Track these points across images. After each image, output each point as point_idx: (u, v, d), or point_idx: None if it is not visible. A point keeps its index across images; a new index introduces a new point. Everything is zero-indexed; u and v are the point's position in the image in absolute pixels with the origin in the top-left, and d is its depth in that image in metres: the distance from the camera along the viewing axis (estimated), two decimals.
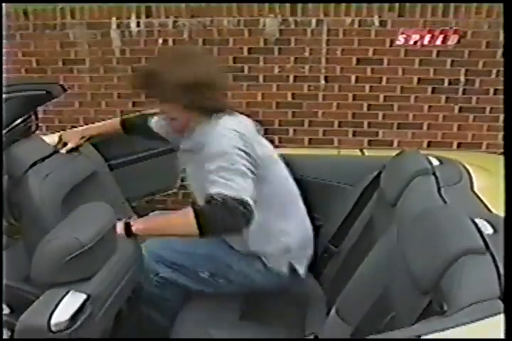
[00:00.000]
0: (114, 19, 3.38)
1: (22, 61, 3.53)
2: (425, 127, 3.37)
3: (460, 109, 3.31)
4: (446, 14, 3.11)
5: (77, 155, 2.24)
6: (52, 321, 1.20)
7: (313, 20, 3.22)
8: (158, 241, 1.86)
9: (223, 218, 1.53)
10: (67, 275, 1.29)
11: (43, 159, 2.07)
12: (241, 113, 1.82)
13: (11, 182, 2.05)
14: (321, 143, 3.42)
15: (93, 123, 2.71)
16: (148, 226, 1.64)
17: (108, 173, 2.46)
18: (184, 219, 1.58)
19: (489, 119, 3.28)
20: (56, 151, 2.18)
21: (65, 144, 2.23)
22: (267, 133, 3.45)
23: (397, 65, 3.25)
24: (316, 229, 2.04)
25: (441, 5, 3.10)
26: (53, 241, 1.29)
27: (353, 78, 3.31)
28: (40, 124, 2.41)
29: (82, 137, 2.29)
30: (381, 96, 3.32)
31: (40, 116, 2.37)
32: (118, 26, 3.39)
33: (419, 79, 3.27)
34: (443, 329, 0.89)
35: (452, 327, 0.89)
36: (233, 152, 1.59)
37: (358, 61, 3.27)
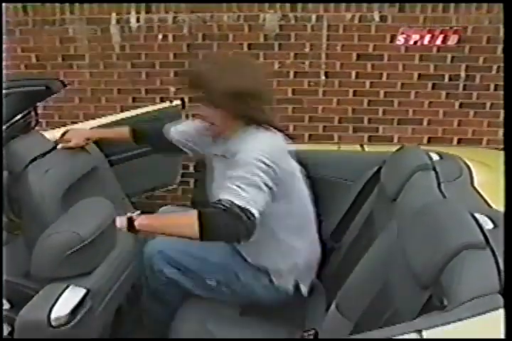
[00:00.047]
0: (113, 15, 3.37)
1: (21, 57, 3.52)
2: (425, 123, 3.36)
3: (460, 105, 3.30)
4: (446, 10, 3.10)
5: (77, 151, 2.24)
6: (52, 315, 1.20)
7: (314, 16, 3.20)
8: (170, 242, 1.86)
9: (225, 224, 1.53)
10: (67, 270, 1.29)
11: (43, 155, 2.07)
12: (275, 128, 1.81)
13: (10, 178, 2.05)
14: (321, 139, 3.42)
15: (93, 118, 2.71)
16: (151, 222, 1.64)
17: (108, 169, 2.45)
18: (187, 219, 1.58)
19: (490, 115, 3.27)
20: (56, 147, 2.18)
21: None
22: None
23: (398, 61, 3.24)
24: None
25: None
26: (53, 236, 1.29)
27: (354, 74, 3.30)
28: (40, 120, 2.41)
29: (88, 139, 2.27)
30: (381, 92, 3.31)
31: (39, 111, 2.37)
32: (118, 22, 3.38)
33: (419, 75, 3.26)
34: (443, 324, 0.90)
35: (452, 322, 0.89)
36: (256, 164, 1.60)
37: (358, 57, 3.26)
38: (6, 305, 1.58)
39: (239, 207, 1.52)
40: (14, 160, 1.98)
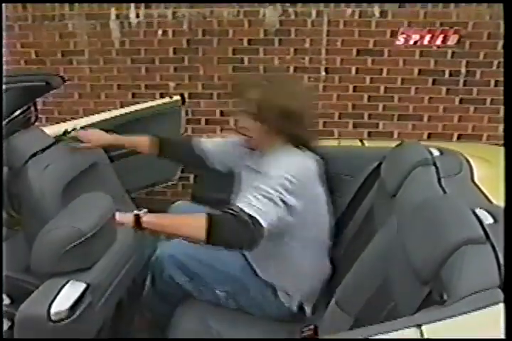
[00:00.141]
0: (113, 10, 3.36)
1: (21, 52, 3.52)
2: (425, 119, 3.36)
3: (461, 101, 3.30)
4: (446, 5, 3.10)
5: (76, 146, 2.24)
6: (52, 310, 1.20)
7: (314, 11, 3.20)
8: (182, 247, 1.86)
9: (231, 229, 1.54)
10: (67, 265, 1.29)
11: (43, 150, 2.07)
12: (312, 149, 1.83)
13: (10, 174, 2.04)
14: (321, 135, 3.40)
15: (93, 114, 2.71)
16: (158, 221, 1.63)
17: (108, 164, 2.45)
18: (195, 221, 1.58)
19: (490, 111, 3.27)
20: (56, 142, 2.18)
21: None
22: None
23: (398, 57, 3.24)
24: None
25: None
26: (53, 231, 1.29)
27: (354, 69, 3.30)
28: (39, 116, 2.41)
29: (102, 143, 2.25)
30: (381, 88, 3.31)
31: (39, 107, 2.37)
32: (117, 17, 3.37)
33: (419, 71, 3.26)
34: (443, 318, 0.90)
35: (452, 316, 0.89)
36: (278, 180, 1.61)
37: (359, 52, 3.26)
38: (6, 301, 1.58)
39: (248, 214, 1.53)
40: (14, 155, 1.97)
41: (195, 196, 2.59)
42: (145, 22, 3.36)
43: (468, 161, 1.76)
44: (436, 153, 1.81)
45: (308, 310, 1.86)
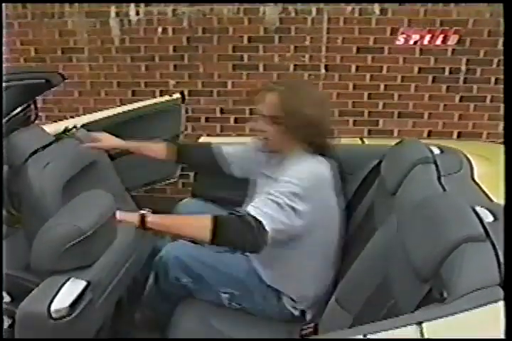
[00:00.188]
0: (113, 8, 3.36)
1: (21, 50, 3.52)
2: (426, 116, 3.36)
3: (461, 99, 3.30)
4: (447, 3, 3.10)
5: (76, 144, 2.24)
6: (53, 308, 1.20)
7: (314, 9, 3.20)
8: (187, 248, 1.88)
9: (236, 229, 1.56)
10: (67, 263, 1.29)
11: (43, 148, 2.07)
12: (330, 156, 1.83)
13: (10, 172, 2.04)
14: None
15: (92, 112, 2.71)
16: (163, 221, 1.63)
17: (108, 162, 2.45)
18: (200, 222, 1.59)
19: (490, 109, 3.27)
20: (56, 140, 2.18)
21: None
22: None
23: (398, 54, 3.23)
24: None
25: None
26: (53, 229, 1.29)
27: (354, 67, 3.30)
28: (39, 114, 2.41)
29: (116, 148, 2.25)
30: (381, 86, 3.31)
31: (39, 105, 2.36)
32: (117, 15, 3.37)
33: (419, 69, 3.26)
34: (443, 316, 0.90)
35: (452, 314, 0.89)
36: (289, 187, 1.61)
37: (359, 50, 3.25)
38: (6, 298, 1.58)
39: (254, 218, 1.54)
40: (14, 153, 1.97)
41: (195, 194, 2.59)
42: (145, 19, 3.36)
43: (468, 159, 1.76)
44: (436, 151, 1.81)
45: (309, 316, 1.85)
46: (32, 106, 2.26)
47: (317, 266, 1.82)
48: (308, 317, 1.85)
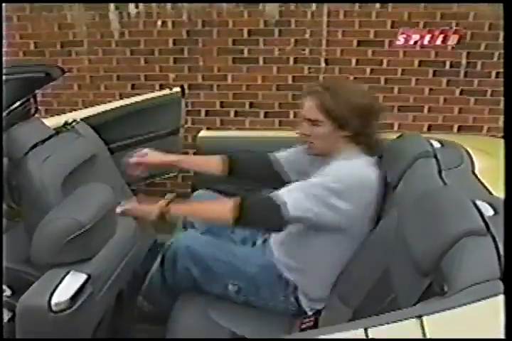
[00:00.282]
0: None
1: (20, 44, 3.51)
2: (426, 110, 3.35)
3: (461, 92, 3.29)
4: None
5: (76, 138, 2.24)
6: (53, 301, 1.20)
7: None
8: (199, 239, 1.90)
9: (259, 208, 1.63)
10: (67, 256, 1.29)
11: (43, 141, 2.07)
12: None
13: (10, 165, 2.04)
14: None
15: (92, 106, 2.70)
16: (186, 209, 1.72)
17: (108, 156, 2.45)
18: (223, 204, 1.66)
19: (490, 102, 3.26)
20: (56, 134, 2.17)
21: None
22: (267, 116, 3.48)
23: (398, 48, 3.22)
24: None
25: None
26: (53, 222, 1.29)
27: (354, 60, 3.29)
28: (38, 107, 2.40)
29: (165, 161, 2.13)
30: (382, 79, 3.30)
31: (38, 99, 2.36)
32: (116, 8, 3.35)
33: (420, 62, 3.25)
34: (443, 310, 0.90)
35: (453, 308, 0.89)
36: (329, 183, 1.61)
37: (359, 43, 3.24)
38: (7, 292, 1.58)
39: (281, 198, 1.59)
40: (14, 146, 1.97)
41: (195, 188, 2.58)
42: (144, 12, 3.34)
43: (468, 153, 1.75)
44: (436, 145, 1.80)
45: (310, 313, 1.85)
46: (32, 100, 2.26)
47: (337, 264, 1.79)
48: (310, 313, 1.85)
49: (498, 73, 3.16)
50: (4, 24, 3.29)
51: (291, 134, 2.63)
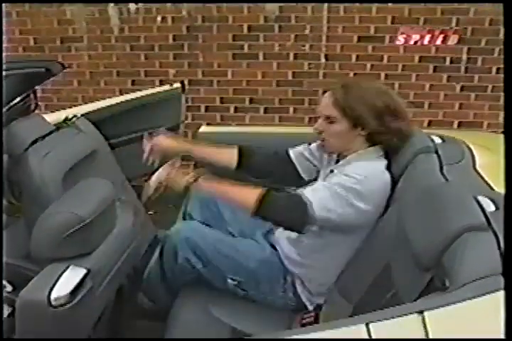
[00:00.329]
0: None
1: (19, 39, 3.50)
2: (426, 106, 3.35)
3: (462, 88, 3.29)
4: None
5: (77, 133, 2.23)
6: (53, 295, 1.20)
7: None
8: (200, 232, 1.88)
9: (283, 205, 1.60)
10: (66, 251, 1.29)
11: (43, 137, 2.06)
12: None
13: (10, 161, 2.04)
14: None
15: (92, 102, 2.70)
16: (215, 185, 1.70)
17: (108, 152, 2.45)
18: (251, 192, 1.63)
19: (491, 98, 3.26)
20: (56, 129, 2.17)
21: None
22: (267, 112, 3.48)
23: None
24: None
25: None
26: (52, 217, 1.29)
27: (354, 56, 3.29)
28: (39, 104, 2.40)
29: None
30: (382, 75, 3.30)
31: (38, 95, 2.35)
32: (116, 3, 3.34)
33: (420, 58, 3.25)
34: (445, 305, 0.89)
35: (454, 303, 0.89)
36: (352, 184, 1.58)
37: (359, 39, 3.24)
38: (8, 288, 1.58)
39: (306, 197, 1.56)
40: (14, 142, 1.97)
41: None
42: (144, 8, 3.34)
43: (469, 149, 1.75)
44: (438, 140, 1.80)
45: (310, 307, 1.85)
46: (32, 96, 2.25)
47: (341, 260, 1.77)
48: (310, 308, 1.85)
49: (498, 69, 3.16)
50: (4, 19, 3.29)
51: (291, 130, 2.65)
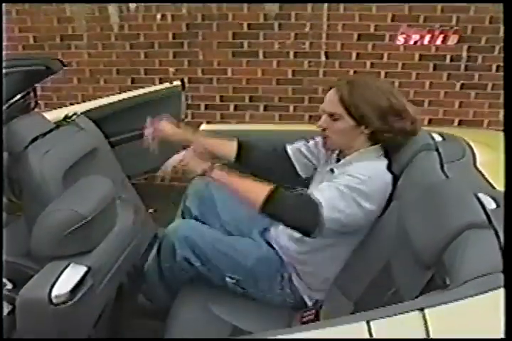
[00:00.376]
0: None
1: (19, 38, 3.50)
2: (426, 104, 3.35)
3: (462, 86, 3.29)
4: None
5: (77, 131, 2.23)
6: (53, 293, 1.20)
7: None
8: (198, 230, 1.88)
9: (293, 205, 1.57)
10: (67, 249, 1.29)
11: (43, 135, 2.06)
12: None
13: (10, 159, 2.04)
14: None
15: (90, 101, 2.70)
16: (229, 176, 1.68)
17: (108, 150, 2.45)
18: (262, 188, 1.60)
19: (491, 96, 3.26)
20: (56, 127, 2.17)
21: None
22: (266, 110, 3.47)
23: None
24: None
25: None
26: (52, 214, 1.29)
27: (354, 54, 3.28)
28: (38, 102, 2.39)
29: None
30: (382, 73, 3.29)
31: (38, 93, 2.35)
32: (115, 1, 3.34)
33: (420, 56, 3.24)
34: (446, 303, 0.90)
35: (455, 300, 0.89)
36: (357, 185, 1.57)
37: (359, 37, 3.23)
38: (8, 286, 1.58)
39: (316, 199, 1.53)
40: (14, 140, 1.96)
41: None
42: (144, 6, 3.33)
43: (470, 146, 1.75)
44: (438, 138, 1.80)
45: (309, 303, 1.86)
46: (32, 94, 2.25)
47: (341, 258, 1.77)
48: (309, 304, 1.85)
49: (498, 67, 3.16)
50: (4, 17, 3.28)
51: (291, 128, 2.64)
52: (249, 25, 3.28)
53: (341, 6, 3.17)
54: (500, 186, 1.32)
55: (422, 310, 0.89)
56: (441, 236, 1.09)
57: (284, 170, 2.01)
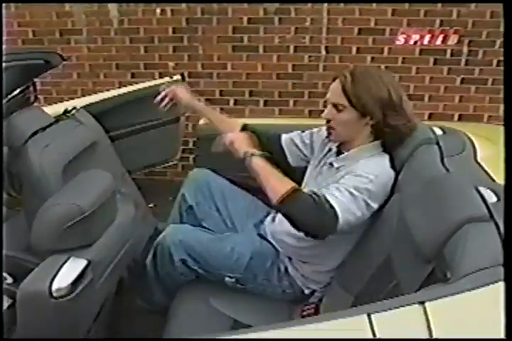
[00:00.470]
0: None
1: (18, 32, 3.48)
2: (426, 99, 3.34)
3: (462, 81, 3.28)
4: None
5: (77, 125, 2.23)
6: (54, 287, 1.20)
7: None
8: (191, 233, 1.89)
9: (308, 207, 1.53)
10: (67, 242, 1.29)
11: (43, 129, 2.06)
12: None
13: (10, 153, 2.03)
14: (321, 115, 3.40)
15: (91, 94, 2.69)
16: (262, 166, 1.67)
17: (108, 144, 2.44)
18: (284, 184, 1.59)
19: (491, 91, 3.25)
20: (56, 121, 2.16)
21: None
22: (266, 105, 3.47)
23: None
24: None
25: None
26: (52, 208, 1.28)
27: (354, 49, 3.27)
28: (38, 96, 2.39)
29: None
30: (382, 67, 3.27)
31: (38, 87, 2.34)
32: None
33: (420, 50, 3.23)
34: (446, 296, 0.90)
35: (456, 294, 0.89)
36: (365, 184, 1.57)
37: (360, 31, 3.22)
38: (9, 280, 1.58)
39: (329, 203, 1.51)
40: (14, 134, 1.96)
41: None
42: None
43: (471, 140, 1.75)
44: (439, 132, 1.79)
45: (307, 291, 1.86)
46: (31, 88, 2.24)
47: (341, 251, 1.78)
48: (312, 298, 1.85)
49: (499, 61, 3.15)
50: (4, 11, 3.27)
51: (291, 122, 2.63)
52: (249, 20, 3.27)
53: None
54: (500, 180, 1.31)
55: (422, 303, 0.89)
56: (442, 229, 1.09)
57: (279, 161, 1.99)
